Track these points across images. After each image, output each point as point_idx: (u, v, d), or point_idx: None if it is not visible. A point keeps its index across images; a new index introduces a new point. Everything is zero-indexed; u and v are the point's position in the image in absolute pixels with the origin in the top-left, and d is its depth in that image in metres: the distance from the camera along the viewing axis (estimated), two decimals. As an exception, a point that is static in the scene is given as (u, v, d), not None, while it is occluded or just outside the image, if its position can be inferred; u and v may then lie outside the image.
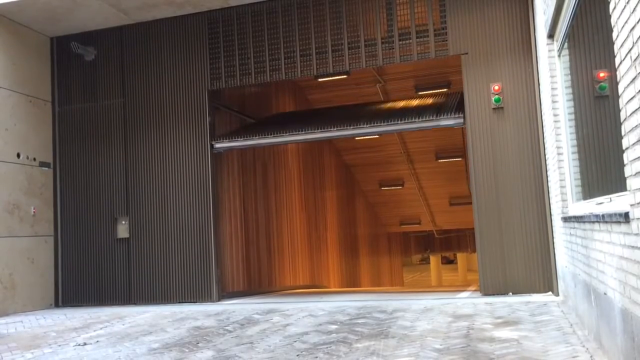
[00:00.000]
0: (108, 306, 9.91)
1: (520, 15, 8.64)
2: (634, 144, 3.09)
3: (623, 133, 3.32)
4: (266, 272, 12.72)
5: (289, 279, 14.12)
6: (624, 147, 3.34)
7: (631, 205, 3.22)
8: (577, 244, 5.57)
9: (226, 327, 7.06)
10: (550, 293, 8.08)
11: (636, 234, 3.15)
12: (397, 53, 9.26)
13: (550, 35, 6.86)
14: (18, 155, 9.80)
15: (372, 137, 16.66)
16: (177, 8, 9.86)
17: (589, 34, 5.02)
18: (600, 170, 5.01)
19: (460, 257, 37.37)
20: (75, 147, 10.61)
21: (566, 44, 6.24)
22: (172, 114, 10.19)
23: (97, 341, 6.77)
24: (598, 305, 4.56)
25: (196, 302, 9.72)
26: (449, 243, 30.41)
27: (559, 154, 6.82)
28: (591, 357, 4.44)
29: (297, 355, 5.36)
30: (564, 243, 6.77)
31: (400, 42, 9.23)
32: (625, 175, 3.32)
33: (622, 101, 3.28)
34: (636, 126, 3.01)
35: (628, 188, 3.29)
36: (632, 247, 3.27)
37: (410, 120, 9.31)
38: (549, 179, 8.06)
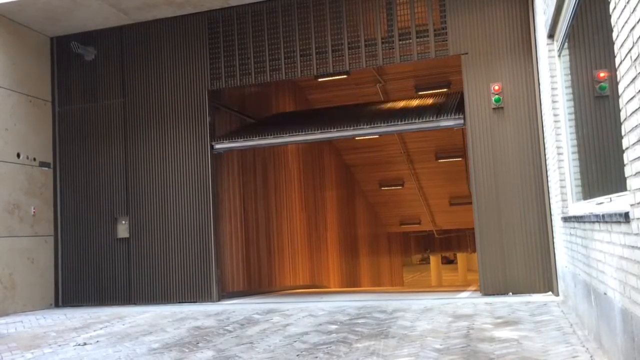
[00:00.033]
0: (108, 306, 9.91)
1: (520, 15, 8.64)
2: (634, 144, 3.09)
3: (623, 133, 3.32)
4: (266, 272, 12.72)
5: (289, 279, 14.12)
6: (624, 147, 3.34)
7: (631, 205, 3.22)
8: (577, 244, 5.57)
9: (226, 327, 7.06)
10: (550, 293, 8.08)
11: (636, 234, 3.15)
12: (397, 53, 9.26)
13: (551, 35, 6.86)
14: (18, 155, 9.80)
15: (372, 137, 16.65)
16: (177, 8, 9.86)
17: (589, 34, 5.02)
18: (600, 170, 5.01)
19: (460, 257, 37.38)
20: (75, 147, 10.61)
21: (566, 44, 6.24)
22: (172, 113, 10.19)
23: (97, 341, 6.77)
24: (598, 305, 4.56)
25: (196, 302, 9.72)
26: (449, 243, 30.41)
27: (559, 154, 6.82)
28: (591, 357, 4.44)
29: (297, 355, 5.36)
30: (564, 243, 6.77)
31: (400, 42, 9.23)
32: (625, 175, 3.32)
33: (622, 101, 3.29)
34: (636, 126, 3.01)
35: (628, 188, 3.29)
36: (632, 247, 3.27)
37: (410, 121, 9.32)
38: (549, 179, 8.06)
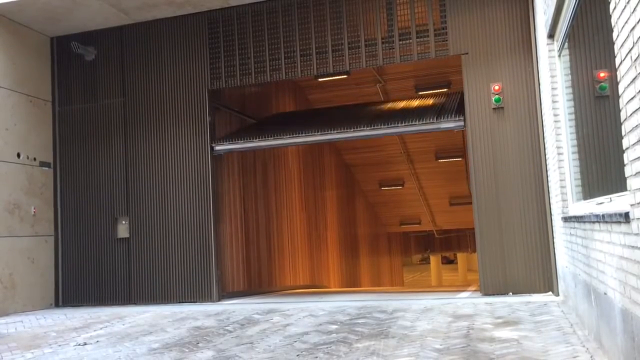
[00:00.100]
0: (108, 306, 9.92)
1: (520, 15, 8.64)
2: (634, 144, 3.09)
3: (623, 133, 3.32)
4: (266, 272, 12.72)
5: (289, 279, 14.12)
6: (624, 147, 3.34)
7: (631, 205, 3.22)
8: (577, 244, 5.57)
9: (226, 327, 7.07)
10: (550, 293, 8.08)
11: (636, 234, 3.15)
12: (397, 53, 9.26)
13: (551, 35, 6.86)
14: (18, 155, 9.80)
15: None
16: (177, 8, 9.86)
17: (589, 34, 5.02)
18: (601, 170, 5.01)
19: (460, 257, 37.38)
20: (75, 147, 10.61)
21: (566, 44, 6.24)
22: (172, 113, 10.19)
23: (97, 341, 6.77)
24: (598, 305, 4.56)
25: (196, 302, 9.72)
26: (449, 243, 30.41)
27: (559, 153, 6.82)
28: (591, 357, 4.44)
29: (297, 355, 5.36)
30: (564, 243, 6.77)
31: (401, 42, 9.23)
32: (626, 175, 3.32)
33: (622, 101, 3.29)
34: (636, 126, 3.01)
35: (628, 188, 3.29)
36: (632, 247, 3.27)
37: (410, 123, 9.31)
38: (549, 178, 8.06)
